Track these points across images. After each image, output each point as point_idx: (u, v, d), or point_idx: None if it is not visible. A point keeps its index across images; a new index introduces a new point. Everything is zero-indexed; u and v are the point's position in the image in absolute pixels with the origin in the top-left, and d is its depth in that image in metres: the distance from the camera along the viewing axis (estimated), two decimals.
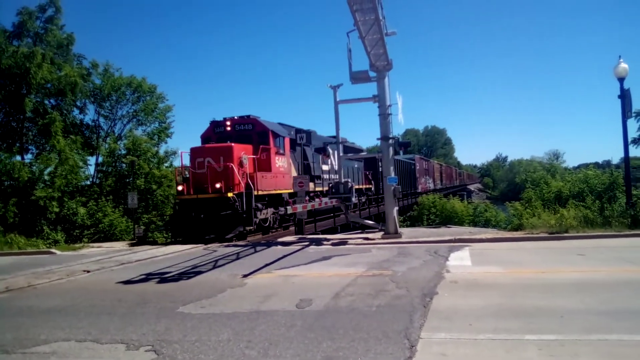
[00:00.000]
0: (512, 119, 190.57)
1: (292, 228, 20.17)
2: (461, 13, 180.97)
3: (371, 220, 20.09)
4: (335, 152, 17.97)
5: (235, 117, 19.48)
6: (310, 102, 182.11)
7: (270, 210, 18.25)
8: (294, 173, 20.57)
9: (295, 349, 5.05)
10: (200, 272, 10.16)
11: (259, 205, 17.10)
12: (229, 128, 18.94)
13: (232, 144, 17.25)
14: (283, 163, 19.73)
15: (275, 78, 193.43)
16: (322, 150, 17.16)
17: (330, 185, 16.03)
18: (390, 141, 14.79)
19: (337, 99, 15.49)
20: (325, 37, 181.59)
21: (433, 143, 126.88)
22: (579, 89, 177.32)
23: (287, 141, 20.25)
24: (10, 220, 19.78)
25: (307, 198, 17.01)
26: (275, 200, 18.64)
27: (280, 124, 20.78)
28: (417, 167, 45.26)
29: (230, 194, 15.96)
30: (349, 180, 16.43)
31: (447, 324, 5.63)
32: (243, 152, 17.17)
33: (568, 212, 14.85)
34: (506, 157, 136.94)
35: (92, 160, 26.98)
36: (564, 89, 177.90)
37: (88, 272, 11.35)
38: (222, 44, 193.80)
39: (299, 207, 12.90)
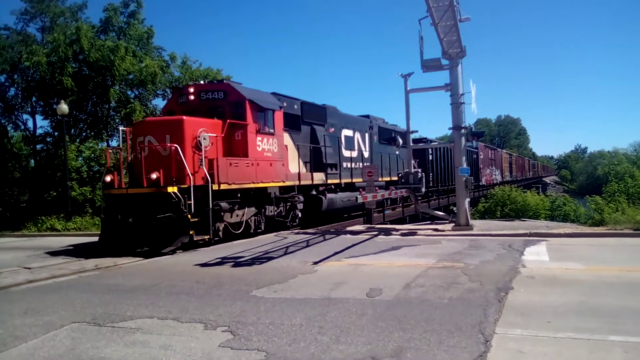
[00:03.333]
0: (593, 108, 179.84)
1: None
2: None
3: (440, 211, 19.71)
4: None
5: (203, 83, 15.41)
6: (377, 91, 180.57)
7: (251, 210, 14.28)
8: (294, 159, 16.40)
9: (366, 337, 5.09)
10: (272, 258, 10.43)
11: (224, 205, 12.97)
12: (192, 97, 14.26)
13: (183, 117, 12.85)
14: (270, 146, 14.89)
15: (340, 66, 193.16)
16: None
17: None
18: (463, 131, 14.39)
19: (408, 88, 15.29)
20: (393, 26, 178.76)
21: (506, 133, 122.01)
22: None
23: (278, 116, 15.35)
24: (98, 204, 21.23)
25: (291, 199, 15.52)
26: (258, 197, 14.57)
27: (274, 93, 16.11)
28: (481, 157, 39.82)
29: (171, 189, 11.82)
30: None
31: (524, 320, 5.45)
32: (202, 129, 12.73)
33: None
34: (586, 148, 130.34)
35: None
36: None
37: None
38: (290, 34, 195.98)
39: (369, 197, 12.89)
